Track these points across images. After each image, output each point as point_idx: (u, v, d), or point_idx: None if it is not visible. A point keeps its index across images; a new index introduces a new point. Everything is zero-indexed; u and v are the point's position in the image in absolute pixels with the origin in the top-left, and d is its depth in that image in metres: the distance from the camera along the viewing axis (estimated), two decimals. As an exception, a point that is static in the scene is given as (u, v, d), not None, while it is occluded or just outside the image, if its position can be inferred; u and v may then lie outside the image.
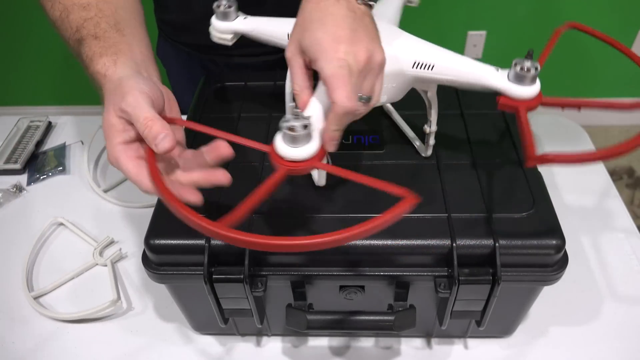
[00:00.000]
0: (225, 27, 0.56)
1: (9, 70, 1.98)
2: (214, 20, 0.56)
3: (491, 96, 0.67)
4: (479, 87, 0.49)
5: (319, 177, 0.55)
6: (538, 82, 0.47)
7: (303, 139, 0.41)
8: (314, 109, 0.44)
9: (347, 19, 0.43)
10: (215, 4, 0.56)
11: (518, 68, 0.46)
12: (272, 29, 0.56)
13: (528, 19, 1.75)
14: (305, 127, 0.41)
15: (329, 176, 0.54)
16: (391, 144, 0.61)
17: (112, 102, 0.45)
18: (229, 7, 0.56)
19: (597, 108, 0.49)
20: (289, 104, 0.56)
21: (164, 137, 0.44)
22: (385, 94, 0.52)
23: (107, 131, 0.45)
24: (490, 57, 1.85)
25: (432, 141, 0.58)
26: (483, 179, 0.56)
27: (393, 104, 0.66)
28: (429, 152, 0.59)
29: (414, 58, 0.49)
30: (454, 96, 0.67)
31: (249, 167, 0.59)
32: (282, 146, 0.42)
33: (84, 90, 2.03)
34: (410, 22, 0.57)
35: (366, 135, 0.63)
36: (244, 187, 0.56)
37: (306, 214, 0.54)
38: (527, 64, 0.46)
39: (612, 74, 1.89)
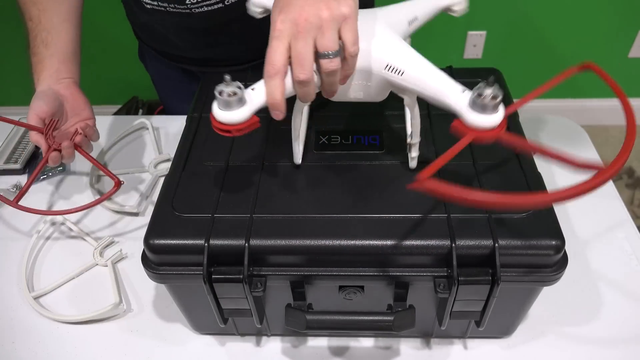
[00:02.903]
0: (257, 1, 0.55)
1: (9, 70, 1.98)
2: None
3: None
4: (440, 104, 0.47)
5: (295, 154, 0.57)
6: (500, 112, 0.44)
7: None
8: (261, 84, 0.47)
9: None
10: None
11: (476, 94, 0.43)
12: None
13: (528, 19, 1.75)
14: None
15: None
16: (391, 144, 0.61)
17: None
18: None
19: (549, 158, 0.46)
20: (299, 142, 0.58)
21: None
22: (361, 91, 0.52)
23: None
24: (490, 57, 1.84)
25: (414, 153, 0.56)
26: (483, 179, 0.56)
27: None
28: (413, 164, 0.58)
29: (387, 60, 0.49)
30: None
31: (249, 167, 0.59)
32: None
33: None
34: (410, 22, 0.57)
35: (366, 135, 0.63)
36: (244, 187, 0.57)
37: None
38: (487, 91, 0.43)
39: (611, 74, 1.89)
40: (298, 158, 0.59)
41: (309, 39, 0.44)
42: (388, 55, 0.49)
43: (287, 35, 0.44)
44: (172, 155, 0.63)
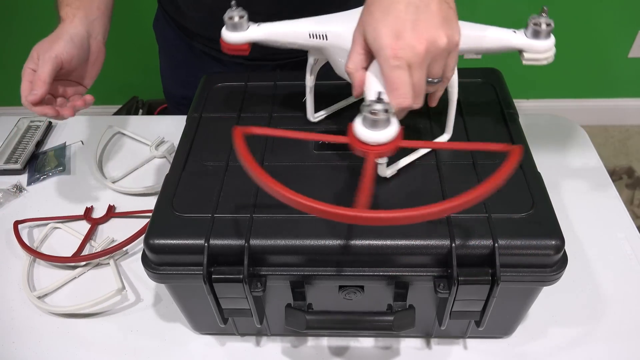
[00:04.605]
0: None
1: (9, 70, 1.98)
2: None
3: (491, 96, 0.68)
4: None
5: (382, 168, 0.56)
6: (392, 126, 0.43)
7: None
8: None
9: (410, 7, 0.43)
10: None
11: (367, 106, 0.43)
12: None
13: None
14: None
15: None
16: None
17: (46, 43, 0.64)
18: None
19: None
20: (309, 96, 0.62)
21: (33, 94, 0.63)
22: None
23: (36, 51, 0.64)
24: (490, 57, 1.84)
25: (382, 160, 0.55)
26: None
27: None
28: (383, 172, 0.56)
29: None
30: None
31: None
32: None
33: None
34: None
35: (366, 135, 0.63)
36: (244, 187, 0.57)
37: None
38: (378, 106, 0.42)
39: (611, 74, 1.89)
40: (311, 115, 0.64)
41: (425, 69, 0.44)
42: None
43: (408, 64, 0.43)
44: (166, 137, 0.63)
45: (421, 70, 0.44)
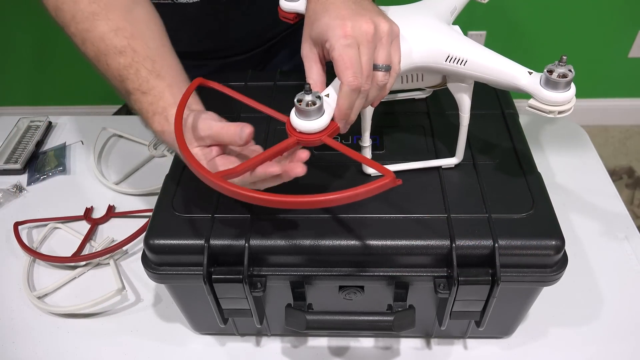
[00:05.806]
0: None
1: (9, 70, 1.98)
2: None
3: (491, 96, 0.68)
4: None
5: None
6: (322, 119, 0.45)
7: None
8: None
9: (347, 2, 0.47)
10: None
11: (296, 99, 0.44)
12: None
13: (528, 19, 1.75)
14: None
15: None
16: (391, 144, 0.61)
17: (187, 140, 0.50)
18: None
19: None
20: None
21: (242, 128, 0.49)
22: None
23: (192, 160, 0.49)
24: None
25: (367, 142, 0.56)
26: (483, 179, 0.56)
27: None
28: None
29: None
30: (453, 96, 0.67)
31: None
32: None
33: (84, 90, 2.03)
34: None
35: (366, 135, 0.63)
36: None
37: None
38: (308, 97, 0.44)
39: (611, 74, 1.89)
40: None
41: (373, 50, 0.45)
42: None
43: (357, 42, 0.44)
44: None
45: (369, 50, 0.45)
